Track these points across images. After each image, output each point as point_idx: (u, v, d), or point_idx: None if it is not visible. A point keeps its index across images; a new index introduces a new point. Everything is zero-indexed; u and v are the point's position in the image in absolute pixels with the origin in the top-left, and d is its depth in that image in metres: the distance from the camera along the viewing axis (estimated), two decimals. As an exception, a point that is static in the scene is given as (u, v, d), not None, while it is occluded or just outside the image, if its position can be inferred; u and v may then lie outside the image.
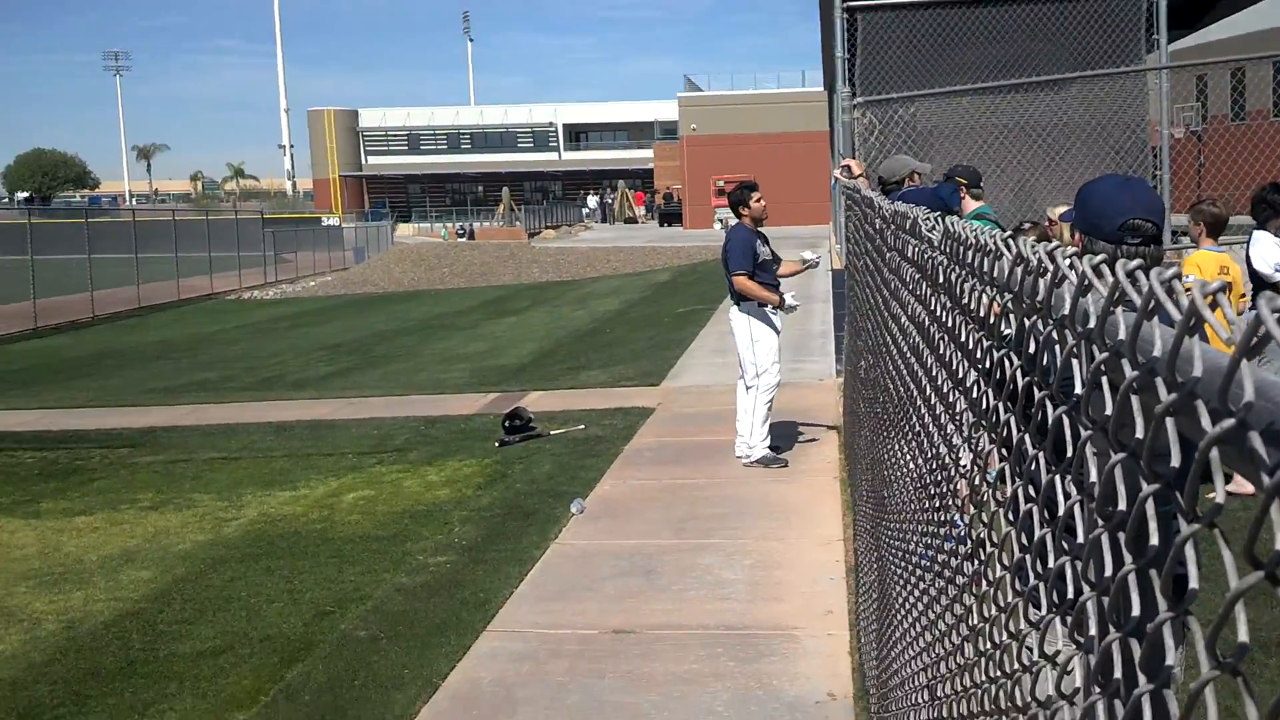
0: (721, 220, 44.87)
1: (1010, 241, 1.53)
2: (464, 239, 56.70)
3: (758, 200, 8.90)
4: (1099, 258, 1.13)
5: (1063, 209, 8.93)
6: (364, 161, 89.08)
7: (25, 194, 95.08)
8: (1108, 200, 3.12)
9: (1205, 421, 0.77)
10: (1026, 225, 8.23)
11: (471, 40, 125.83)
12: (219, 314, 29.44)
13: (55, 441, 11.72)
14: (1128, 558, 0.96)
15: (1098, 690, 1.04)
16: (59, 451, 11.21)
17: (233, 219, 43.92)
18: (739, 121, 60.52)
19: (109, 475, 10.13)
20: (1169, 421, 0.84)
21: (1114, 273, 1.01)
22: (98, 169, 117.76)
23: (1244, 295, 7.63)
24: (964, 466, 2.06)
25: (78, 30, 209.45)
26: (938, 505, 2.40)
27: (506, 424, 10.30)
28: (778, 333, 8.82)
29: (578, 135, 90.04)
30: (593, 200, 74.62)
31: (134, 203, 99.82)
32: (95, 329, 25.82)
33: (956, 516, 2.22)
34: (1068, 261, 1.20)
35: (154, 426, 12.18)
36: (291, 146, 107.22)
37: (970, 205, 8.39)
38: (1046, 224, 8.33)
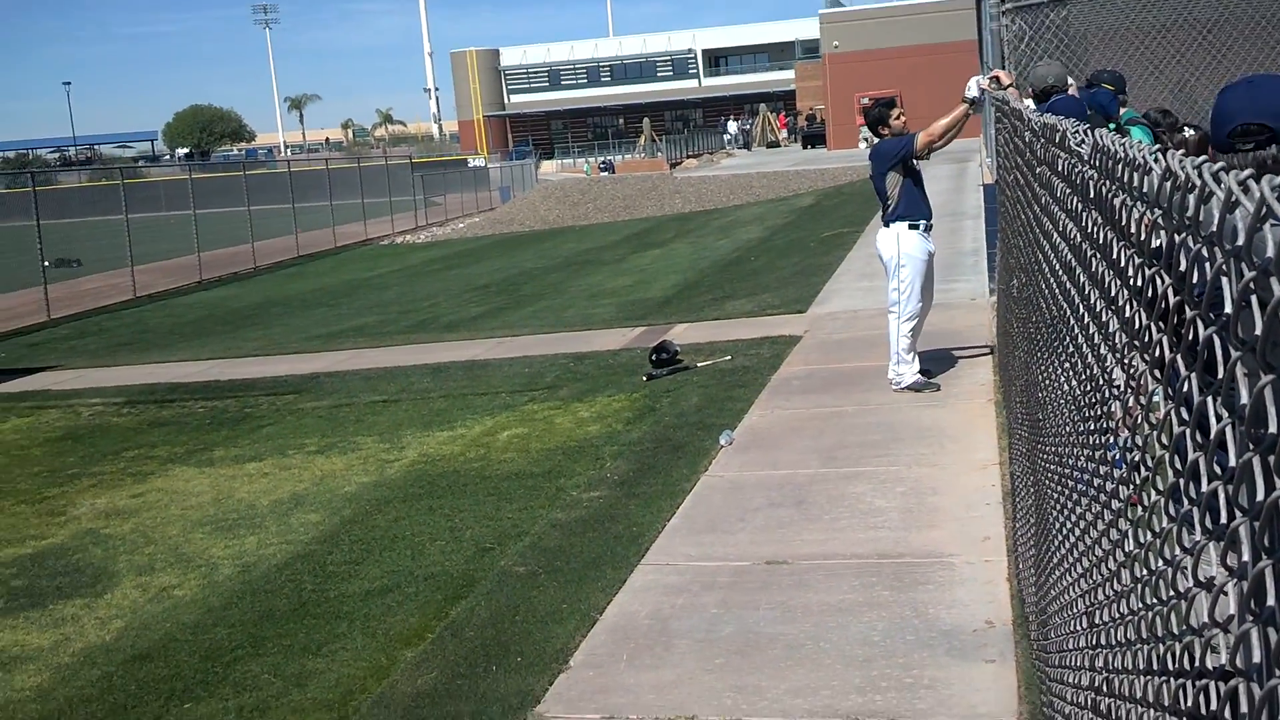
0: (866, 139, 43.94)
1: (1161, 155, 1.46)
2: (606, 173, 56.83)
3: (898, 117, 8.67)
4: (1246, 173, 1.07)
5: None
6: (507, 100, 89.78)
7: (185, 150, 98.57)
8: (1219, 110, 3.05)
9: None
10: (1189, 131, 7.85)
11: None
12: (374, 259, 30.18)
13: (224, 391, 12.23)
14: (1279, 482, 0.93)
15: (1251, 618, 1.01)
16: (228, 400, 11.70)
17: (383, 165, 44.85)
18: (883, 36, 58.94)
19: (276, 421, 10.53)
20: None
21: (1261, 189, 0.96)
22: (253, 122, 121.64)
23: None
24: (1118, 387, 2.00)
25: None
26: (1094, 428, 2.34)
27: (654, 357, 10.34)
28: (929, 255, 8.59)
29: (717, 60, 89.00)
30: (733, 126, 73.79)
31: (289, 153, 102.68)
32: (257, 279, 26.73)
33: (1112, 439, 2.16)
34: (1215, 176, 1.15)
35: (317, 372, 12.59)
36: (437, 90, 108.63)
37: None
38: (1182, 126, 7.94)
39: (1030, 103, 7.38)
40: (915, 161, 8.57)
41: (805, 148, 61.65)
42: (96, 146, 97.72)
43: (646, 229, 29.97)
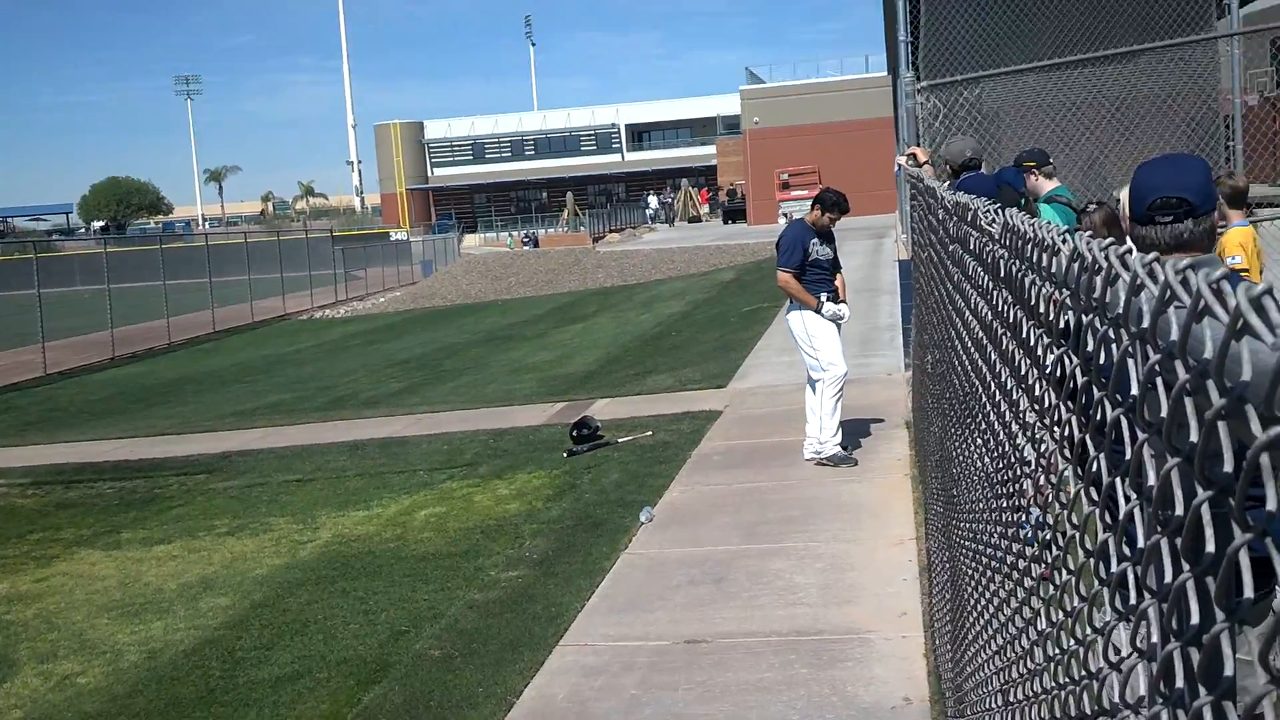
0: (786, 214, 44.54)
1: (1070, 236, 1.47)
2: (529, 247, 56.92)
3: (830, 220, 8.73)
4: (1151, 256, 1.07)
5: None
6: (430, 173, 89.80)
7: (101, 223, 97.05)
8: (1139, 183, 3.18)
9: (1255, 426, 0.75)
10: (1092, 206, 8.02)
11: (534, 44, 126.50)
12: (292, 334, 29.83)
13: (134, 470, 11.91)
14: (1185, 564, 0.93)
15: (1160, 700, 1.01)
16: (137, 480, 11.39)
17: (303, 239, 44.53)
18: (802, 112, 59.99)
19: (187, 502, 10.26)
20: (1221, 425, 0.83)
21: (1166, 272, 0.96)
22: (171, 194, 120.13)
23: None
24: (1029, 465, 2.00)
25: (148, 57, 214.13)
26: (1006, 504, 2.34)
27: (574, 434, 10.26)
28: (838, 327, 8.67)
29: (640, 135, 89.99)
30: (654, 200, 74.39)
31: (207, 226, 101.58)
32: (172, 355, 26.25)
33: (1024, 516, 2.16)
34: (1121, 259, 1.16)
35: (230, 451, 12.32)
36: (359, 162, 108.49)
37: (1045, 185, 8.25)
38: (1115, 204, 8.11)
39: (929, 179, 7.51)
40: (827, 247, 8.71)
41: (726, 222, 62.26)
42: (9, 219, 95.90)
43: (569, 303, 30.01)
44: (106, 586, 7.92)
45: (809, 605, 5.92)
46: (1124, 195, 8.18)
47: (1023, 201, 8.05)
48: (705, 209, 70.37)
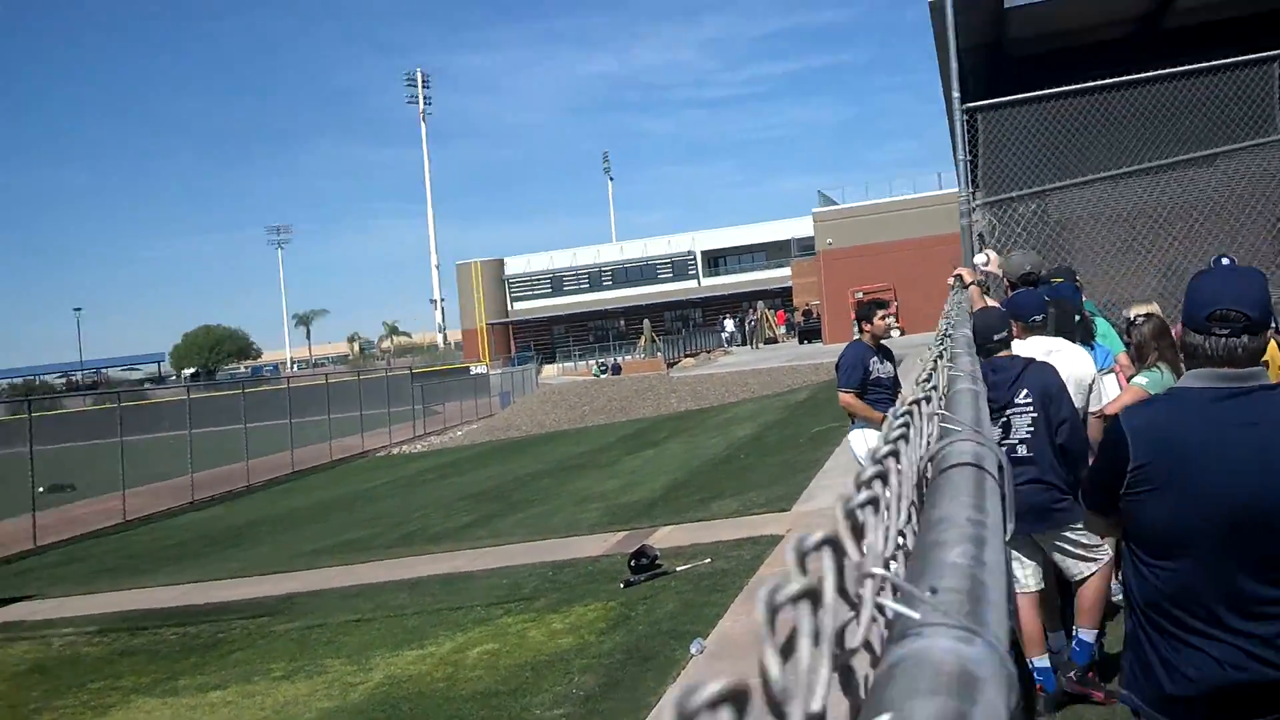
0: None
1: None
2: (607, 374, 57.27)
3: (881, 318, 8.90)
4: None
5: (1141, 308, 8.58)
6: (510, 307, 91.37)
7: (191, 370, 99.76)
8: (1200, 290, 3.15)
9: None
10: (1140, 318, 7.90)
11: (612, 179, 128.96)
12: (369, 471, 30.11)
13: (199, 615, 11.95)
14: None
15: None
16: (202, 625, 11.41)
17: (382, 377, 45.28)
18: (875, 231, 60.28)
19: (247, 646, 10.24)
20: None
21: None
22: (261, 339, 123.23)
23: None
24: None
25: (240, 208, 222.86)
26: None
27: (632, 563, 10.10)
28: None
29: (716, 260, 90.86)
30: (729, 324, 74.77)
31: (294, 369, 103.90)
32: (250, 497, 26.61)
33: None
34: None
35: (294, 592, 12.33)
36: (442, 300, 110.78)
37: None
38: (1124, 323, 8.01)
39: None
40: (888, 364, 8.65)
41: (801, 343, 62.29)
42: (104, 370, 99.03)
43: (642, 429, 29.97)
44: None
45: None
46: (1133, 312, 8.03)
47: (1078, 317, 7.93)
48: (781, 330, 70.46)
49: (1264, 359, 6.86)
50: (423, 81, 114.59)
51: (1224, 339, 3.04)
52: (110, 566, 17.27)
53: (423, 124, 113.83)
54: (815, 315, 63.08)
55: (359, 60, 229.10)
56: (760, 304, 73.88)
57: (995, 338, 6.17)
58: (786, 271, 75.45)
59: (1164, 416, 3.23)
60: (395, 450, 35.73)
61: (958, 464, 0.94)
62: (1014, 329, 6.45)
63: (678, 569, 10.02)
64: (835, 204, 67.66)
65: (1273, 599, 3.02)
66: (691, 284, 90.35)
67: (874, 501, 0.70)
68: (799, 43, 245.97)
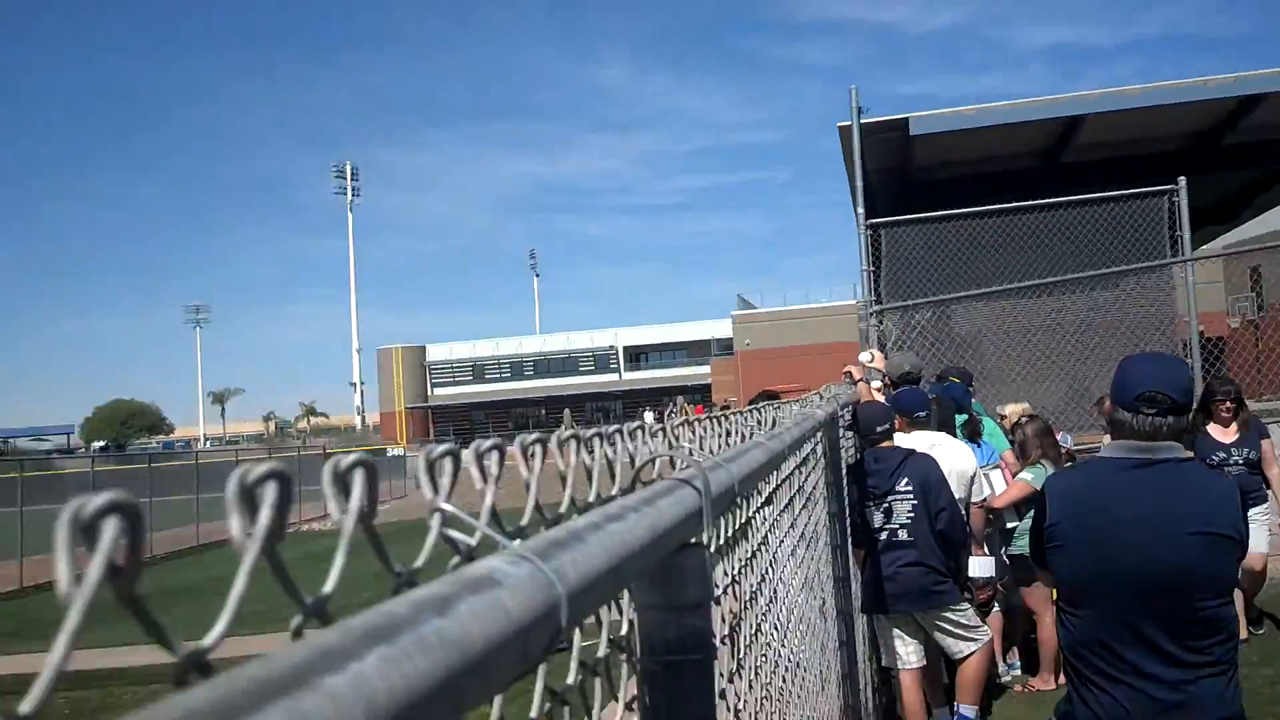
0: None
1: None
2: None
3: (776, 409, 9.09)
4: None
5: (1013, 407, 9.11)
6: (430, 393, 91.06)
7: (101, 443, 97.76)
8: (1130, 373, 3.48)
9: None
10: (1025, 419, 8.43)
11: (538, 275, 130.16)
12: (279, 547, 29.66)
13: (91, 680, 11.80)
14: None
15: None
16: (93, 690, 11.30)
17: (295, 456, 44.81)
18: (790, 334, 61.50)
19: (137, 711, 10.14)
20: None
21: None
22: (175, 415, 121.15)
23: None
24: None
25: (158, 284, 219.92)
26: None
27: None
28: None
29: (637, 356, 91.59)
30: (649, 416, 75.10)
31: (207, 445, 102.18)
32: (154, 568, 26.08)
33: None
34: None
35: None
36: (362, 384, 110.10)
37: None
38: (1022, 419, 8.47)
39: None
40: None
41: (720, 439, 62.80)
42: (10, 439, 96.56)
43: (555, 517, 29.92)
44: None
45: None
46: (1008, 409, 8.53)
47: (964, 417, 8.32)
48: (699, 425, 70.99)
49: None
50: (351, 174, 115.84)
51: (1150, 418, 3.35)
52: (3, 632, 16.92)
53: (349, 214, 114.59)
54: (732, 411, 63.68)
55: (290, 149, 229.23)
56: (680, 398, 74.45)
57: (878, 429, 6.54)
58: (706, 369, 76.41)
59: (1079, 481, 3.59)
60: (304, 528, 35.30)
61: (677, 481, 1.16)
62: (897, 423, 6.80)
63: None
64: (753, 308, 68.89)
65: (1172, 649, 3.27)
66: (613, 377, 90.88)
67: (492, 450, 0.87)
68: (726, 159, 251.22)
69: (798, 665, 3.10)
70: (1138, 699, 3.30)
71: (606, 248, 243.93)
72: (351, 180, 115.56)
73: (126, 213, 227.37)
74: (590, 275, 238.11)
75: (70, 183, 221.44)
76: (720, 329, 77.96)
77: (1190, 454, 3.48)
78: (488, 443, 0.85)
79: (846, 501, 6.50)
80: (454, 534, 0.76)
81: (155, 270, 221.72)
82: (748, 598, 2.04)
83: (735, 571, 1.84)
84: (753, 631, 2.08)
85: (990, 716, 7.41)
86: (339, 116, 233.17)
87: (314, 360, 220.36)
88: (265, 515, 0.55)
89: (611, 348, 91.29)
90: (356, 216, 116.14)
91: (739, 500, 1.94)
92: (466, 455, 0.80)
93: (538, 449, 0.93)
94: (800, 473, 3.32)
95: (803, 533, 3.32)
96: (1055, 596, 3.83)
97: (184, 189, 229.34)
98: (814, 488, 3.89)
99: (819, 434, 4.22)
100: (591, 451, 1.05)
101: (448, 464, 0.79)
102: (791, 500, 2.99)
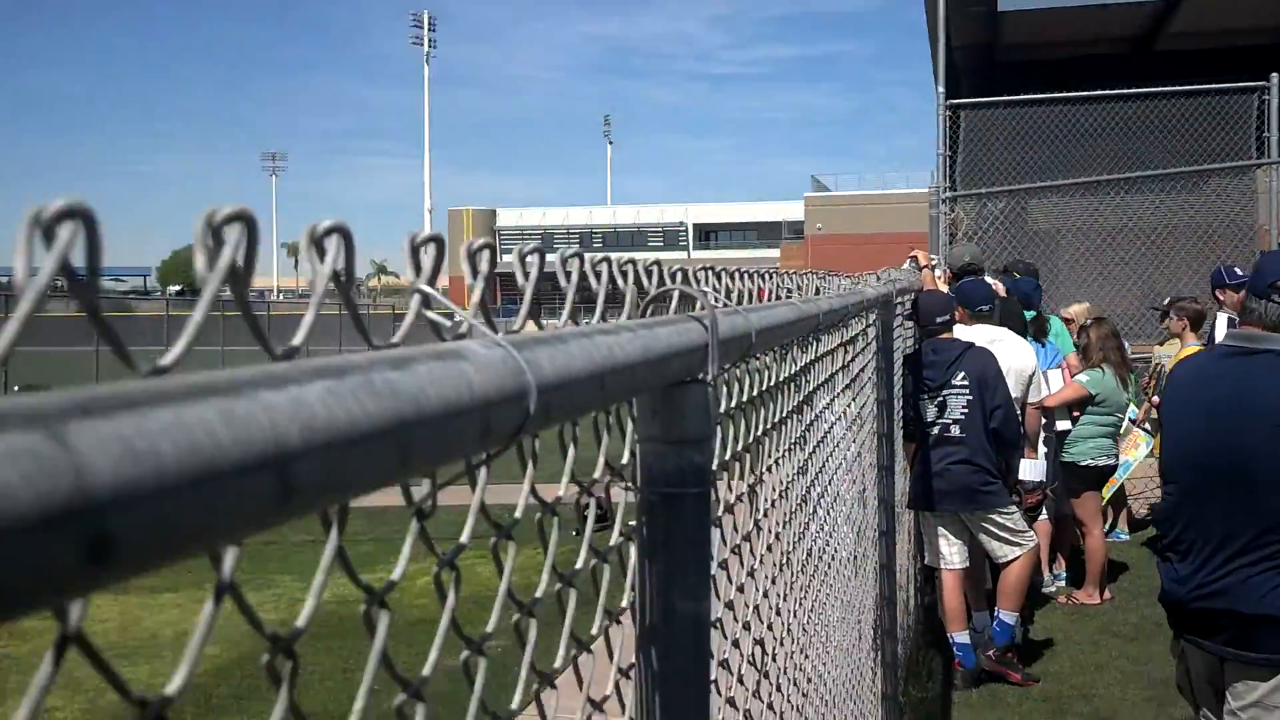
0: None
1: None
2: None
3: None
4: None
5: (1076, 308, 8.98)
6: (499, 259, 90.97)
7: (177, 288, 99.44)
8: (1268, 263, 3.66)
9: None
10: (1089, 321, 8.28)
11: (611, 143, 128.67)
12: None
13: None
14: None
15: None
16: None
17: (366, 314, 45.29)
18: (863, 221, 60.58)
19: (201, 555, 10.49)
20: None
21: None
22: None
23: None
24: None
25: (238, 131, 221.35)
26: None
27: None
28: None
29: (707, 234, 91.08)
30: (715, 299, 74.83)
31: (279, 297, 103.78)
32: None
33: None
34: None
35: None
36: (437, 235, 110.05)
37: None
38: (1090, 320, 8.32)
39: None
40: None
41: (785, 323, 62.48)
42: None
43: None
44: (106, 629, 8.15)
45: None
46: (1071, 310, 8.33)
47: (1032, 314, 8.17)
48: (765, 309, 70.65)
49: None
50: (429, 23, 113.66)
51: (1278, 305, 3.45)
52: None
53: (425, 66, 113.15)
54: (799, 298, 63.23)
55: None
56: (747, 281, 74.09)
57: (938, 320, 6.39)
58: (776, 252, 75.70)
59: (1190, 366, 3.99)
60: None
61: (686, 316, 1.15)
62: (958, 315, 6.66)
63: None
64: (828, 191, 67.94)
65: (1232, 532, 3.42)
66: (681, 255, 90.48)
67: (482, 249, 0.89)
68: (806, 28, 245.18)
69: (826, 543, 3.10)
70: (1193, 576, 3.50)
71: (680, 117, 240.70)
72: (429, 29, 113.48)
73: (208, 56, 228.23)
74: (663, 145, 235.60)
75: (148, 19, 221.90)
76: (792, 211, 77.07)
77: None
78: (479, 241, 0.86)
79: (900, 392, 6.46)
80: (434, 317, 0.77)
81: (234, 116, 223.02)
82: (772, 460, 2.03)
83: (758, 431, 1.82)
84: (775, 496, 2.07)
85: (1031, 625, 7.42)
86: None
87: (386, 218, 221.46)
88: (227, 253, 0.56)
89: (681, 224, 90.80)
90: (432, 70, 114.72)
91: (766, 357, 1.92)
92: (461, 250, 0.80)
93: (535, 258, 0.93)
94: (846, 350, 3.28)
95: (843, 413, 3.29)
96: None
97: (262, 32, 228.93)
98: (861, 369, 3.86)
99: (871, 315, 4.17)
100: (599, 276, 1.05)
101: (432, 248, 0.79)
102: (834, 376, 2.95)
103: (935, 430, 6.25)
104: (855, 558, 3.77)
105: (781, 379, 2.10)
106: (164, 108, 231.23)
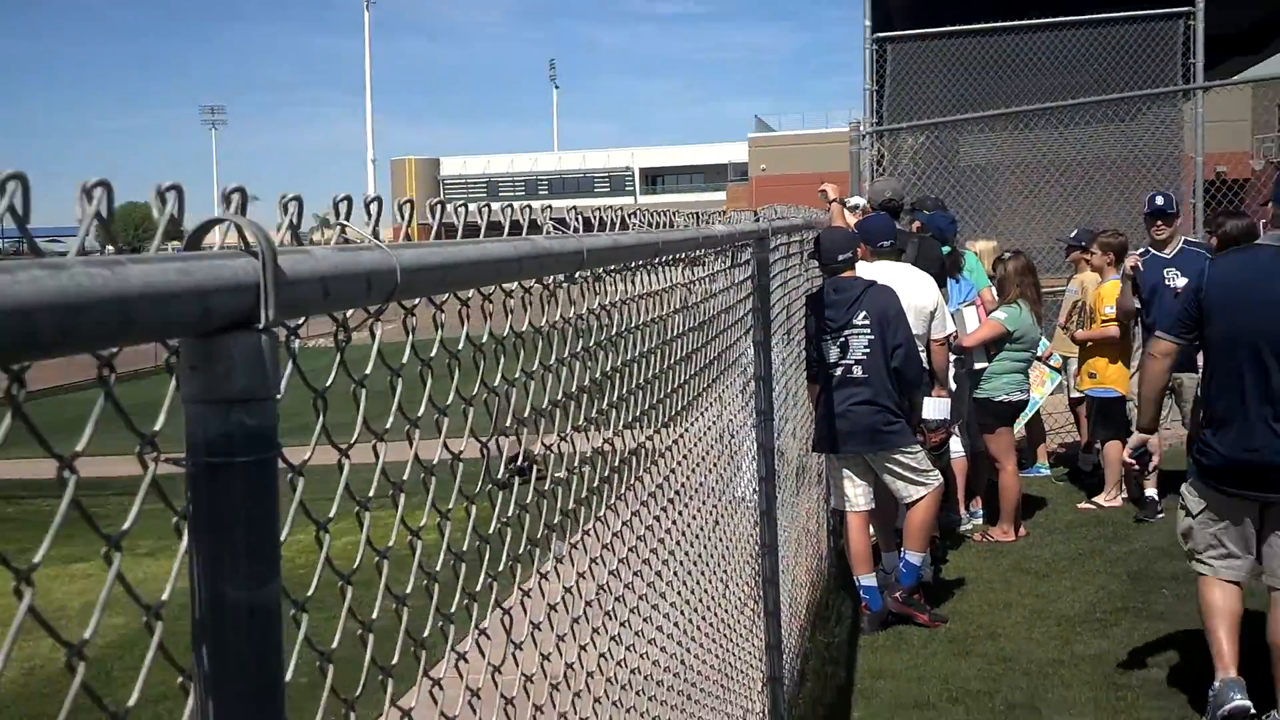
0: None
1: None
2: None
3: None
4: None
5: (981, 243, 8.93)
6: (445, 210, 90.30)
7: (114, 248, 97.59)
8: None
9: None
10: (1008, 254, 8.22)
11: (557, 87, 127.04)
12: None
13: (79, 488, 11.98)
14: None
15: None
16: (80, 497, 11.46)
17: (305, 269, 44.77)
18: (807, 160, 60.22)
19: (120, 522, 10.29)
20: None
21: None
22: (190, 221, 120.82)
23: None
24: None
25: (175, 86, 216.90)
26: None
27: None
28: None
29: (654, 179, 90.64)
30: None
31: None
32: (158, 377, 26.39)
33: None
34: None
35: (173, 473, 12.35)
36: (377, 197, 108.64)
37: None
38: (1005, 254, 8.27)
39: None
40: None
41: (732, 267, 62.25)
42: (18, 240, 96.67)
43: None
44: (11, 603, 7.95)
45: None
46: (978, 245, 8.24)
47: (947, 249, 8.09)
48: (713, 253, 70.18)
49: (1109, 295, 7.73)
50: None
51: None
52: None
53: (366, 12, 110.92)
54: (745, 240, 63.04)
55: None
56: (693, 224, 73.79)
57: (840, 257, 6.26)
58: (722, 195, 75.48)
59: (1233, 262, 4.55)
60: (309, 345, 35.57)
61: (236, 249, 1.05)
62: (860, 251, 6.54)
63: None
64: (772, 131, 67.60)
65: (1276, 399, 4.21)
66: (628, 200, 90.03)
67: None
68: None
69: (677, 496, 2.99)
70: (1251, 438, 4.27)
71: (627, 59, 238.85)
72: None
73: (142, 9, 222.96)
74: (610, 89, 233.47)
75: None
76: (739, 152, 76.69)
77: None
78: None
79: (805, 333, 6.36)
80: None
81: (171, 68, 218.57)
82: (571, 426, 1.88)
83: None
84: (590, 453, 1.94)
85: (946, 565, 7.41)
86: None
87: (329, 170, 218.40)
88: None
89: (628, 169, 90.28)
90: (374, 17, 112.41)
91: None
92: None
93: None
94: (690, 292, 3.15)
95: (689, 359, 3.16)
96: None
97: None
98: (723, 312, 3.73)
99: (744, 252, 4.05)
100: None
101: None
102: (665, 320, 2.82)
103: (838, 371, 6.16)
104: (724, 506, 3.69)
105: (554, 323, 1.96)
106: (101, 64, 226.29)
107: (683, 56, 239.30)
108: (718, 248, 3.43)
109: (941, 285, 7.32)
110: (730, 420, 3.95)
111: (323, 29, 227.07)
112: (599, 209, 2.39)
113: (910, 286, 6.57)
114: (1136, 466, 5.35)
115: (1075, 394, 9.38)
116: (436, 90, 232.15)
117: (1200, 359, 5.12)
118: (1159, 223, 7.89)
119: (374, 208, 1.34)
